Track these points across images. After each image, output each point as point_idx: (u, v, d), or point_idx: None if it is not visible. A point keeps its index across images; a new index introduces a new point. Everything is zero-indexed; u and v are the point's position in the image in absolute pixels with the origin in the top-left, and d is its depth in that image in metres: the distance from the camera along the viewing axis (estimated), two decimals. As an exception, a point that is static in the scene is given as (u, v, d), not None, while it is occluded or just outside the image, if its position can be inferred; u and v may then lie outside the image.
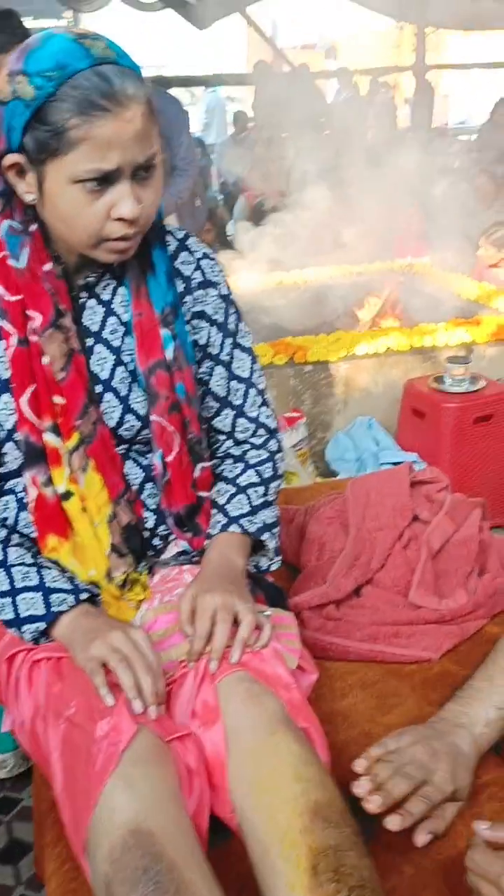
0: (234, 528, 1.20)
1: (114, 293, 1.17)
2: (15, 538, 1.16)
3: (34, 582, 1.10)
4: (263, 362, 3.18)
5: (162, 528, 1.21)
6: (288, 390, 3.19)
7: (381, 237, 5.39)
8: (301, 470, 2.99)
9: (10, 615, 1.09)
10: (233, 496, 1.23)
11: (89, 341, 1.15)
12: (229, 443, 1.29)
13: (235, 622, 1.05)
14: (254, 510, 1.22)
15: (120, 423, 1.16)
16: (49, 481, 1.12)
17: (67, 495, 1.12)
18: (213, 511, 1.23)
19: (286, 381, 3.19)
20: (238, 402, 1.27)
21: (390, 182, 5.80)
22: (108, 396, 1.15)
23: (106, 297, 1.16)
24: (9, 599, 1.10)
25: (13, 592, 1.10)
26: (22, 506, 1.15)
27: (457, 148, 8.63)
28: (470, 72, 10.47)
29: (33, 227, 1.08)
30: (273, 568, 1.27)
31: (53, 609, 1.08)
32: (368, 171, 5.65)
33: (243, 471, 1.26)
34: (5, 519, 1.17)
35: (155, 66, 8.80)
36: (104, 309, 1.16)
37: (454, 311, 3.98)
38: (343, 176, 5.76)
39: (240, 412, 1.27)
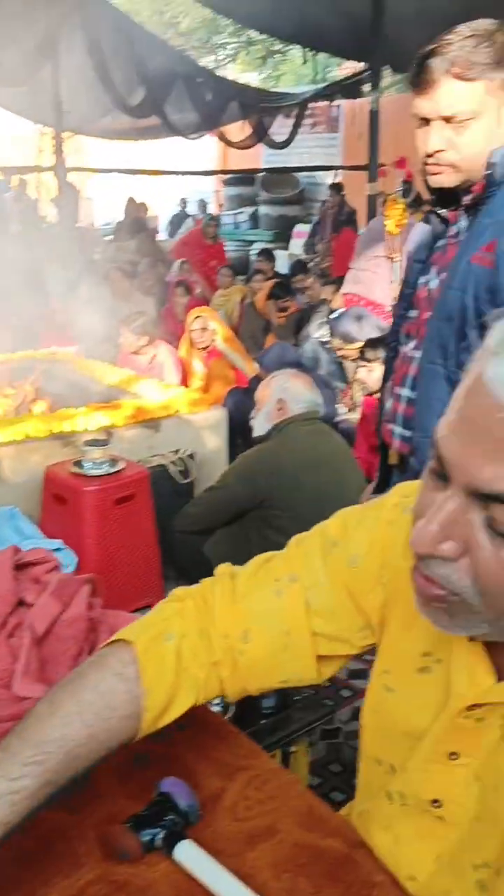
0: None
1: None
2: None
3: None
4: None
5: None
6: None
7: (25, 327, 5.36)
8: None
9: None
10: None
11: None
12: None
13: None
14: None
15: None
16: None
17: None
18: None
19: None
20: None
21: (32, 274, 5.81)
22: None
23: None
24: None
25: None
26: None
27: (101, 246, 8.98)
28: (111, 176, 11.00)
29: None
30: None
31: None
32: (9, 264, 5.63)
33: None
34: None
35: None
36: None
37: (98, 396, 4.02)
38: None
39: None
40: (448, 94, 1.49)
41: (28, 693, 1.25)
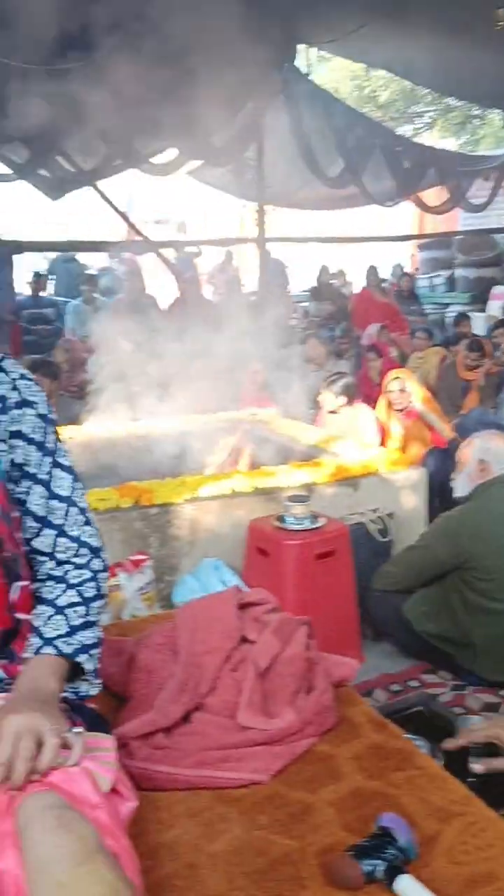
0: (48, 650, 1.16)
1: None
2: None
3: None
4: (109, 505, 3.18)
5: None
6: (133, 533, 3.18)
7: (228, 390, 5.63)
8: (147, 613, 2.93)
9: None
10: (51, 617, 1.20)
11: None
12: (51, 563, 1.26)
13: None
14: (72, 631, 1.19)
15: None
16: None
17: None
18: (31, 633, 1.19)
19: (131, 523, 3.18)
20: (59, 522, 1.26)
21: (234, 341, 6.14)
22: None
23: None
24: None
25: None
26: None
27: (298, 312, 9.29)
28: (308, 245, 11.40)
29: None
30: (93, 693, 1.22)
31: None
32: (216, 331, 5.97)
33: (63, 591, 1.23)
34: None
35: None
36: None
37: (298, 454, 4.15)
38: (193, 334, 6.07)
39: (61, 532, 1.26)
40: None
41: (251, 723, 1.34)
